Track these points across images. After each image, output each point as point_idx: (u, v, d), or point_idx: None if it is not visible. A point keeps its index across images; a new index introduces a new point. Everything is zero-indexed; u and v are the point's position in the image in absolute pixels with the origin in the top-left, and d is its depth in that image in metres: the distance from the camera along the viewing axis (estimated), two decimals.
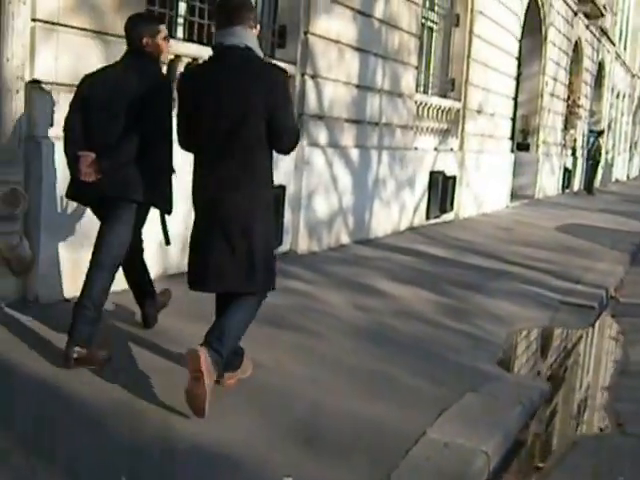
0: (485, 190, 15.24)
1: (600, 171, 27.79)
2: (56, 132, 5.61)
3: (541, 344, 6.94)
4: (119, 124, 4.52)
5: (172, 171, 4.78)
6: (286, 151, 4.33)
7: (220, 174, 4.05)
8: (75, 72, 5.66)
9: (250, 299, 4.19)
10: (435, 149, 12.96)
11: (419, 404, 4.49)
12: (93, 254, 4.64)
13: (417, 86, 12.22)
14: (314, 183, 8.93)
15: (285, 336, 5.02)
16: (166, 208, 4.81)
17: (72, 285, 5.72)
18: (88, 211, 5.75)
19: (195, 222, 4.22)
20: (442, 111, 13.25)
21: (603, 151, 28.18)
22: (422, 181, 12.29)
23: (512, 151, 18.07)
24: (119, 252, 4.66)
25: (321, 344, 5.45)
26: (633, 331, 7.47)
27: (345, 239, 9.80)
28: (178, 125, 4.23)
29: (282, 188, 8.19)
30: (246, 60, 4.08)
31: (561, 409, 5.53)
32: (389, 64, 10.80)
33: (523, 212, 16.59)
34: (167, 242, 4.94)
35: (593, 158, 26.30)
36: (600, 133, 27.47)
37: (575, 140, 24.95)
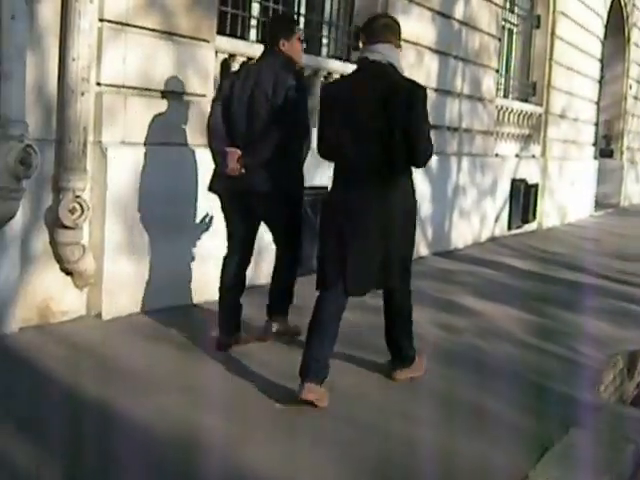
0: (569, 199, 14.65)
1: None
2: (123, 137, 5.35)
3: None
4: (260, 122, 4.73)
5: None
6: (420, 165, 4.40)
7: (360, 183, 4.19)
8: (144, 74, 5.45)
9: (401, 296, 4.56)
10: (516, 156, 12.48)
11: (516, 440, 4.02)
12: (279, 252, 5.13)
13: (497, 90, 11.78)
14: None
15: (365, 358, 4.69)
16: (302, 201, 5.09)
17: (136, 300, 5.47)
18: (154, 222, 5.47)
19: (332, 231, 4.27)
20: (523, 116, 12.80)
21: None
22: (503, 189, 11.82)
23: (595, 158, 17.47)
24: (298, 239, 5.08)
25: None
26: None
27: (424, 251, 9.34)
28: (320, 134, 4.38)
29: None
30: (387, 75, 4.25)
31: None
32: (469, 67, 10.38)
33: (609, 221, 15.94)
34: None
35: None
36: None
37: None
